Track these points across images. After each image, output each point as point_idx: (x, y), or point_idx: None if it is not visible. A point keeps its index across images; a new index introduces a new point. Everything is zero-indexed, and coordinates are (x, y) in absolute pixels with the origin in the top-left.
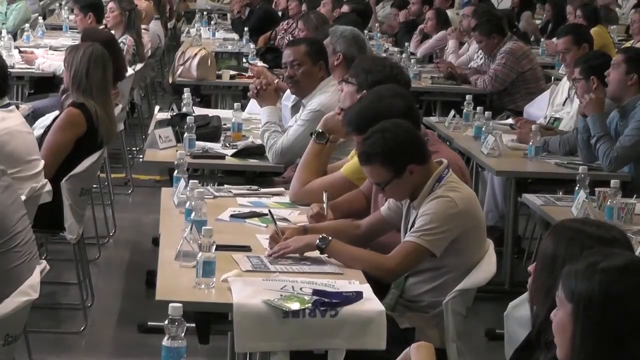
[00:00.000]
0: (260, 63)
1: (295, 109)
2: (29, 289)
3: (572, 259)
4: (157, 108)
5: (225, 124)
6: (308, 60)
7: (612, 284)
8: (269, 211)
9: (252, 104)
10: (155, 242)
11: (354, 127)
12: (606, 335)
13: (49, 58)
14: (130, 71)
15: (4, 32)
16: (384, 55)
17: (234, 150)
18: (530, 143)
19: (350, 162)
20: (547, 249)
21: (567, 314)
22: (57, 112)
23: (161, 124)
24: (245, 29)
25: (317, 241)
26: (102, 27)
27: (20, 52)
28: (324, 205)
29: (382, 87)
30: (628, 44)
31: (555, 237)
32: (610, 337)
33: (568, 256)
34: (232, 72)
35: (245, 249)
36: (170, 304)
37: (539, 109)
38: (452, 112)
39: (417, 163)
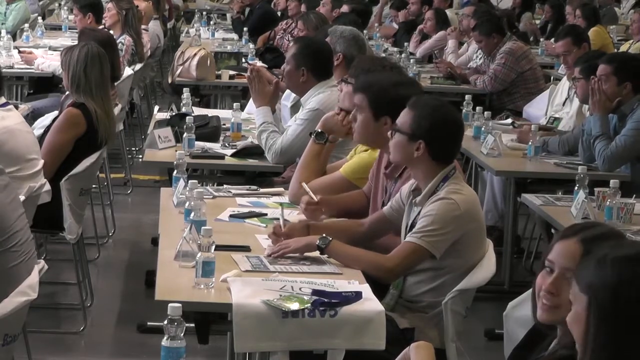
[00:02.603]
0: (259, 63)
1: (294, 108)
2: (28, 289)
3: None
4: (156, 108)
5: (224, 124)
6: (292, 61)
7: (622, 272)
8: (281, 205)
9: (252, 104)
10: (155, 242)
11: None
12: (620, 320)
13: (48, 58)
14: (129, 71)
15: (3, 32)
16: (384, 55)
17: (234, 150)
18: (530, 143)
19: (349, 162)
20: None
21: (582, 306)
22: (56, 112)
23: (160, 124)
24: (245, 29)
25: (317, 241)
26: (101, 27)
27: (19, 52)
28: (310, 193)
29: None
30: (627, 44)
31: None
32: (622, 323)
33: None
34: (232, 72)
35: (245, 249)
36: (170, 304)
37: (538, 109)
38: None
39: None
